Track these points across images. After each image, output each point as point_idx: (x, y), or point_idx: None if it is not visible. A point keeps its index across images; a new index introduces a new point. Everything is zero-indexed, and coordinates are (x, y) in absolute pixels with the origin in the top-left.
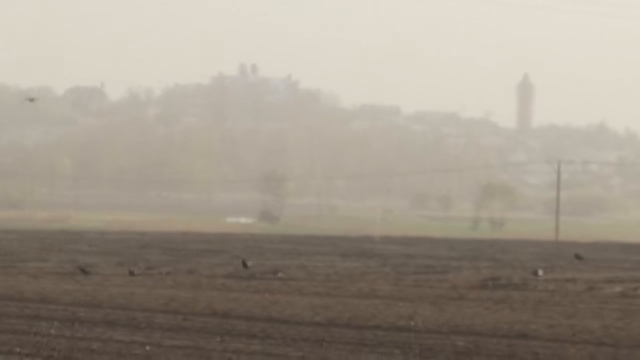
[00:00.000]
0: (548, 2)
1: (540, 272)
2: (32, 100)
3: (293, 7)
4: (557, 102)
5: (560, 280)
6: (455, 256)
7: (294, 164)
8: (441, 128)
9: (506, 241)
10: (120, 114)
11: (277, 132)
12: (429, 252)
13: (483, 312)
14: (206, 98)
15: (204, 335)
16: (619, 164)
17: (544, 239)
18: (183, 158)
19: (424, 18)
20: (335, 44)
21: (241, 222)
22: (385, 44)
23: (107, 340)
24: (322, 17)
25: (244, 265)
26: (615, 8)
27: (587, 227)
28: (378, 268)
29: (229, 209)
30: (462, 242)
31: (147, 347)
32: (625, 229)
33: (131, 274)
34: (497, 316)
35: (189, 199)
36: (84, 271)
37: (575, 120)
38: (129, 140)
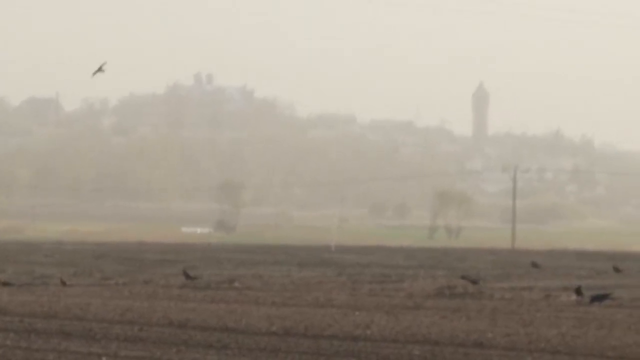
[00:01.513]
0: (503, 9)
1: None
2: (101, 69)
3: (247, 15)
4: (512, 110)
5: (516, 288)
6: (411, 265)
7: (251, 173)
8: (397, 136)
9: (463, 249)
10: (76, 125)
11: (234, 141)
12: (385, 261)
13: (439, 321)
14: (162, 107)
15: (161, 345)
16: (574, 172)
17: (500, 247)
18: (140, 167)
19: (380, 27)
20: (290, 52)
21: (197, 232)
22: (341, 53)
23: (64, 351)
24: (278, 26)
25: (186, 276)
26: (572, 14)
27: (543, 235)
28: (334, 277)
29: (186, 218)
30: (418, 251)
31: (104, 358)
32: (581, 237)
33: (63, 283)
34: (454, 325)
35: (146, 208)
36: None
37: (531, 128)
38: (86, 150)
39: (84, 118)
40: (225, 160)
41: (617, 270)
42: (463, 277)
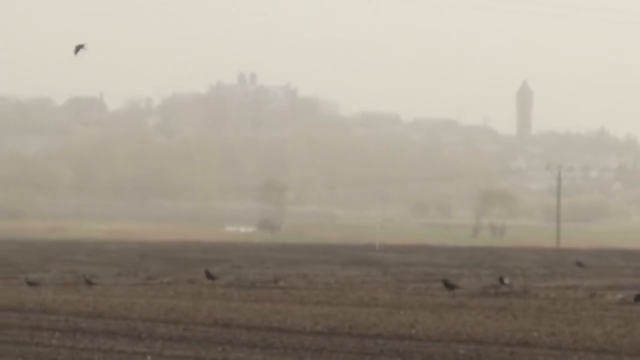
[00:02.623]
0: (548, 7)
1: (507, 280)
2: (80, 47)
3: (291, 14)
4: (556, 108)
5: (561, 287)
6: (455, 264)
7: (293, 172)
8: (440, 135)
9: (507, 248)
10: (119, 124)
11: (276, 140)
12: (429, 260)
13: (484, 320)
14: (205, 107)
15: (206, 345)
16: (619, 170)
17: (544, 246)
18: (182, 167)
19: (422, 25)
20: (334, 51)
21: (241, 231)
22: (384, 52)
23: (109, 350)
24: (321, 24)
25: (208, 275)
26: (616, 14)
27: (588, 234)
28: (378, 276)
29: (229, 217)
30: (462, 250)
31: (149, 357)
32: (626, 236)
33: (88, 282)
34: (499, 324)
35: (188, 208)
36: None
37: (575, 126)
38: (128, 149)
39: (127, 117)
40: (267, 159)
41: None
42: (443, 280)
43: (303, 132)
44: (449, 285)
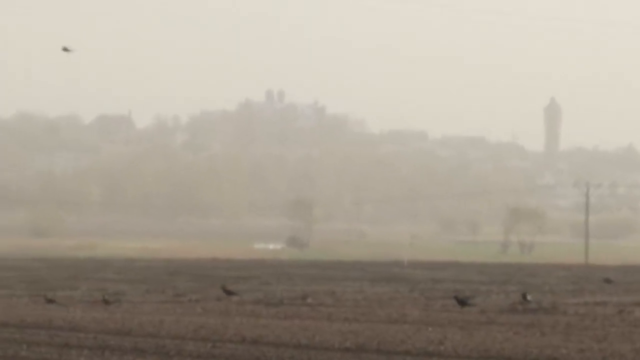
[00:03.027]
0: (577, 24)
1: (530, 297)
2: (67, 50)
3: (319, 33)
4: (584, 125)
5: (590, 304)
6: (484, 280)
7: (322, 189)
8: (468, 152)
9: (535, 265)
10: (147, 142)
11: (304, 157)
12: (457, 277)
13: (513, 336)
14: (233, 124)
15: None
16: None
17: (573, 262)
18: (210, 184)
19: (449, 43)
20: (362, 68)
21: (269, 248)
22: (412, 69)
23: None
24: (350, 43)
25: (227, 292)
26: None
27: (616, 250)
28: (407, 293)
29: (257, 234)
30: (490, 267)
31: None
32: None
33: (106, 302)
34: (527, 341)
35: (217, 225)
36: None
37: (604, 143)
38: (156, 167)
39: (156, 135)
40: (295, 176)
41: None
42: (455, 297)
43: (331, 149)
44: (460, 302)
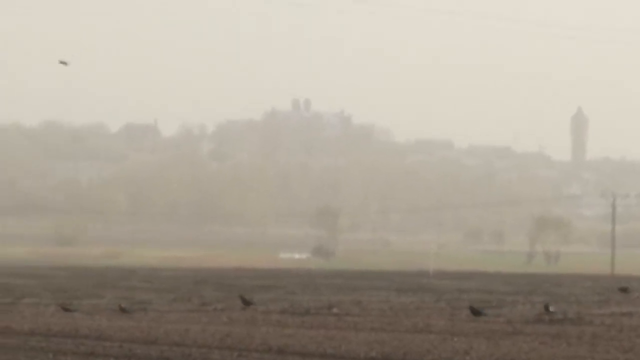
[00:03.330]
0: (602, 33)
1: (552, 308)
2: (64, 63)
3: (344, 42)
4: (611, 135)
5: (616, 314)
6: (510, 291)
7: (347, 198)
8: (494, 162)
9: (561, 275)
10: (173, 150)
11: (330, 167)
12: (483, 287)
13: (539, 346)
14: (259, 133)
15: None
16: None
17: (599, 272)
18: (236, 193)
19: (478, 52)
20: (388, 78)
21: (295, 257)
22: (438, 78)
23: None
24: (376, 52)
25: (243, 301)
26: None
27: None
28: (432, 303)
29: (283, 244)
30: (516, 277)
31: None
32: None
33: (122, 310)
34: (554, 351)
35: (243, 234)
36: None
37: (630, 153)
38: (182, 176)
39: (182, 144)
40: (321, 186)
41: None
42: (470, 307)
43: (357, 158)
44: (475, 312)
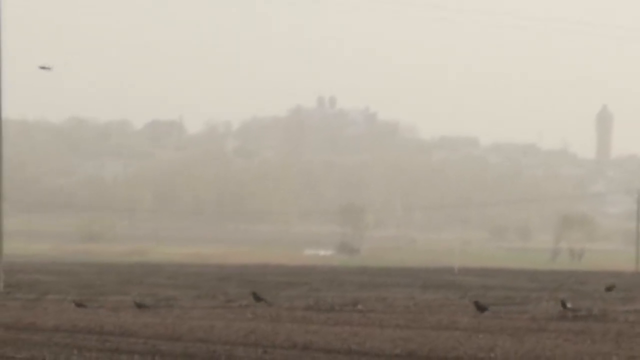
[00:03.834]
0: (629, 32)
1: (569, 304)
2: (46, 68)
3: (370, 39)
4: (636, 132)
5: None
6: (534, 287)
7: (372, 195)
8: (519, 159)
9: (585, 272)
10: (198, 147)
11: (355, 164)
12: (508, 284)
13: (563, 343)
14: (284, 130)
15: None
16: None
17: (624, 269)
18: (261, 190)
19: (502, 49)
20: (413, 75)
21: (320, 254)
22: (464, 75)
23: None
24: (400, 48)
25: (255, 297)
26: None
27: None
28: (457, 300)
29: (308, 241)
30: (541, 273)
31: None
32: None
33: (138, 306)
34: (578, 348)
35: (268, 231)
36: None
37: None
38: (208, 173)
39: (207, 141)
40: (346, 183)
41: None
42: (475, 302)
43: (382, 155)
44: (480, 307)
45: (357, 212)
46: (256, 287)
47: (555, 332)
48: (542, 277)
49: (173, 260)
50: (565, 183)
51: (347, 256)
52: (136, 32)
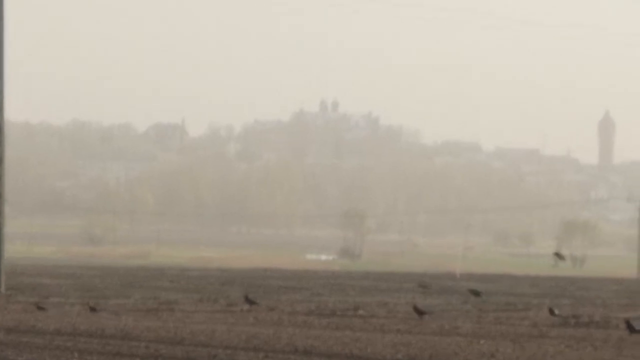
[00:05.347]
0: (630, 38)
1: (557, 311)
2: None
3: (372, 44)
4: (638, 139)
5: None
6: (536, 293)
7: (375, 200)
8: (522, 165)
9: (587, 278)
10: (201, 150)
11: (358, 168)
12: (510, 289)
13: (564, 350)
14: (287, 134)
15: None
16: None
17: (625, 276)
18: (263, 194)
19: (507, 55)
20: (416, 80)
21: (322, 259)
22: (466, 81)
23: None
24: (403, 53)
25: (247, 300)
26: None
27: None
28: (459, 305)
29: (310, 245)
30: (543, 279)
31: None
32: None
33: (92, 309)
34: (579, 354)
35: (270, 234)
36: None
37: None
38: (210, 176)
39: (209, 144)
40: (349, 187)
41: None
42: (414, 307)
43: (384, 160)
44: (418, 311)
45: (359, 217)
46: (258, 291)
47: (556, 338)
48: (544, 283)
49: (175, 264)
50: (568, 189)
51: (349, 261)
52: (139, 37)
